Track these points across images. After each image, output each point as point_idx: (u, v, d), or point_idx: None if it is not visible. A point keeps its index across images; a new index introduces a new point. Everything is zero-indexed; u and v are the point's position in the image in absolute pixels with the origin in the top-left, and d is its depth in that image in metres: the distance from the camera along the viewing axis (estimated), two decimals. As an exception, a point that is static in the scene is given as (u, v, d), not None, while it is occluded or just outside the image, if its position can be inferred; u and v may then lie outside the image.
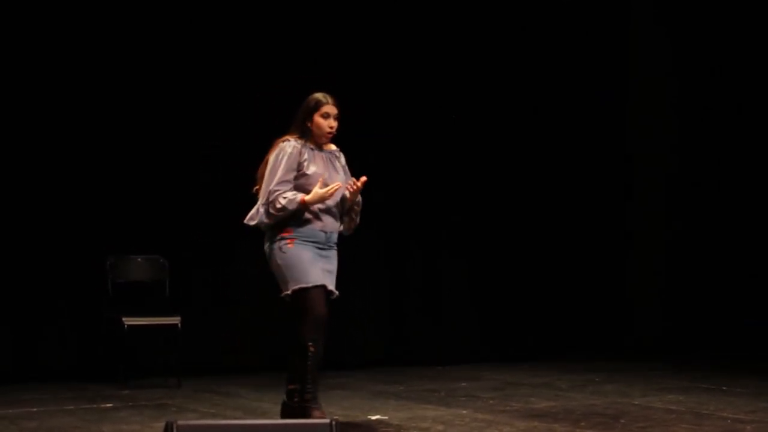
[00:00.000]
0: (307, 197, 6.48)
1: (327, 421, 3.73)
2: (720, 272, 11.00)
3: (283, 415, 6.65)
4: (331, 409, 7.57)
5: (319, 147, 6.66)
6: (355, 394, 8.30)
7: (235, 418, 7.15)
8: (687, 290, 11.08)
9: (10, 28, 8.81)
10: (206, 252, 9.39)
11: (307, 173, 6.54)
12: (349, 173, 6.74)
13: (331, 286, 6.56)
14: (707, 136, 11.07)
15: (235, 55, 9.48)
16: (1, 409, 7.53)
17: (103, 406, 7.76)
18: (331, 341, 9.58)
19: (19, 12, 8.83)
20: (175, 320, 8.58)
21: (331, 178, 6.58)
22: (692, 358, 10.38)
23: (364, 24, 9.97)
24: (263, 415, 7.32)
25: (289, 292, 6.49)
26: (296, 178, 6.54)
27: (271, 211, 6.52)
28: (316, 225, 6.54)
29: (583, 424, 7.07)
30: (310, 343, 6.49)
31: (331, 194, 6.49)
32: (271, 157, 6.60)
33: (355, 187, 6.57)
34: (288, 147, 6.57)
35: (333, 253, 6.65)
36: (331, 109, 6.66)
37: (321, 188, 6.46)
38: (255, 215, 6.63)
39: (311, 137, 6.63)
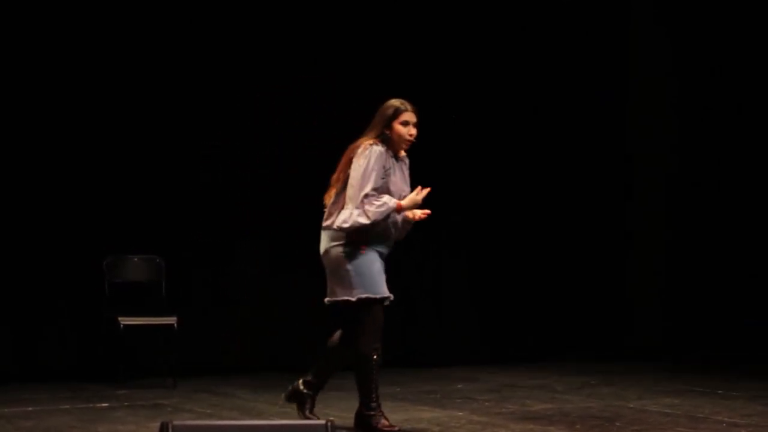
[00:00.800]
0: (403, 202, 6.46)
1: (323, 422, 3.73)
2: (720, 273, 10.98)
3: (292, 399, 6.82)
4: (328, 410, 7.57)
5: (396, 155, 6.59)
6: (352, 396, 8.26)
7: (232, 419, 7.15)
8: (687, 291, 11.06)
9: (8, 28, 8.81)
10: (203, 252, 9.39)
11: (390, 182, 6.50)
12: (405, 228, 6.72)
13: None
14: (707, 136, 11.05)
15: (234, 55, 9.48)
16: (-3, 408, 7.55)
17: (99, 405, 7.76)
18: (323, 341, 9.65)
19: (18, 11, 8.82)
20: (172, 320, 8.59)
21: (404, 190, 6.55)
22: (688, 361, 10.38)
23: (363, 23, 9.96)
24: (259, 416, 7.32)
25: (353, 299, 6.45)
26: (380, 185, 6.48)
27: (369, 215, 6.39)
28: (390, 233, 6.53)
29: (578, 426, 7.07)
30: (374, 355, 6.52)
31: (419, 200, 6.49)
32: (360, 161, 6.45)
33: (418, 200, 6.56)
34: (378, 152, 6.45)
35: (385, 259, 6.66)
36: (410, 116, 6.57)
37: (416, 195, 6.47)
38: (348, 219, 6.43)
39: (390, 145, 6.53)
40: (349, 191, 6.44)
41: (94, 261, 8.86)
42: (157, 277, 9.03)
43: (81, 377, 8.79)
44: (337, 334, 6.75)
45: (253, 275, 9.57)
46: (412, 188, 6.60)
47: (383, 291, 6.45)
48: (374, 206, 6.36)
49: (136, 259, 9.05)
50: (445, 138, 10.27)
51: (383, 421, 6.59)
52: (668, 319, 11.11)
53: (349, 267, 6.44)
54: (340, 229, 6.43)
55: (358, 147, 6.50)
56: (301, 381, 6.82)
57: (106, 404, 7.81)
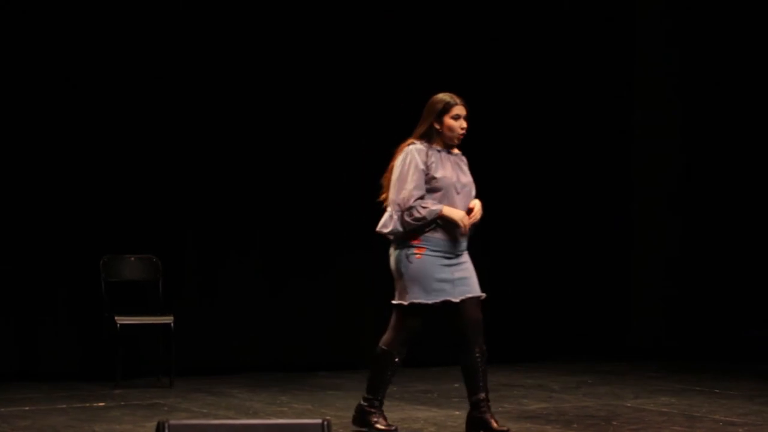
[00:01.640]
0: (446, 211, 6.41)
1: (319, 421, 3.73)
2: (722, 275, 10.93)
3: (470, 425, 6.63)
4: (324, 409, 7.58)
5: (448, 149, 6.54)
6: (349, 395, 8.29)
7: (228, 418, 7.15)
8: (688, 294, 11.03)
9: (3, 27, 8.80)
10: (199, 251, 9.38)
11: (436, 176, 6.42)
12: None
13: (468, 294, 6.49)
14: (712, 139, 11.00)
15: (232, 54, 9.46)
16: (-7, 407, 7.54)
17: (95, 405, 7.76)
18: (325, 343, 9.65)
19: (16, 10, 8.82)
20: (168, 320, 8.58)
21: (460, 182, 6.51)
22: (686, 361, 10.37)
23: (361, 23, 9.94)
24: (255, 415, 7.32)
25: (405, 303, 6.43)
26: (427, 181, 6.42)
27: (408, 219, 6.37)
28: (447, 235, 6.45)
29: (575, 425, 7.07)
30: (396, 358, 6.54)
31: (469, 224, 6.48)
32: (397, 163, 6.45)
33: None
34: (414, 151, 6.43)
35: (464, 258, 6.58)
36: (461, 110, 6.54)
37: (463, 214, 6.45)
38: (389, 223, 6.45)
39: (439, 139, 6.50)
40: (390, 194, 6.48)
41: (91, 260, 8.84)
42: (154, 277, 9.02)
43: (77, 377, 8.78)
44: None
45: (250, 275, 9.56)
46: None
47: (434, 297, 6.40)
48: (416, 212, 6.35)
49: (132, 259, 9.04)
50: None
51: (382, 421, 6.59)
52: (669, 323, 11.09)
53: (403, 271, 6.43)
54: (381, 233, 6.49)
55: (402, 148, 6.51)
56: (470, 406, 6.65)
57: (102, 404, 7.80)
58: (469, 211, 6.56)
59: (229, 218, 9.47)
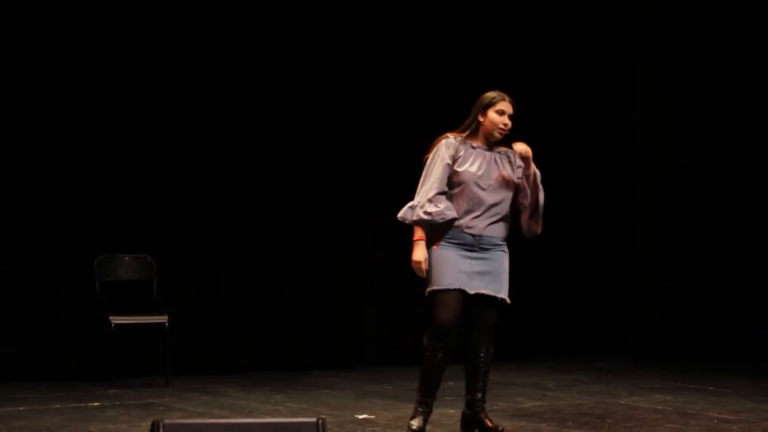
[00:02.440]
0: (417, 243, 6.31)
1: (313, 420, 3.73)
2: (722, 276, 10.92)
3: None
4: (319, 408, 7.58)
5: (489, 145, 6.47)
6: (343, 394, 8.31)
7: (223, 417, 7.15)
8: (688, 294, 11.01)
9: (5, 27, 8.80)
10: (194, 251, 9.38)
11: (458, 170, 6.35)
12: (528, 173, 6.50)
13: (481, 290, 6.38)
14: (712, 138, 10.99)
15: (230, 55, 9.46)
16: (-12, 407, 7.54)
17: (90, 405, 7.75)
18: (325, 343, 9.65)
19: (15, 10, 8.82)
20: (163, 319, 8.58)
21: (490, 178, 6.38)
22: (682, 360, 10.38)
23: (361, 23, 9.94)
24: (250, 415, 7.32)
25: (426, 294, 6.37)
26: (451, 175, 6.36)
27: (420, 214, 6.30)
28: (463, 228, 6.36)
29: (570, 423, 7.09)
30: (427, 352, 6.34)
31: (422, 273, 6.30)
32: (429, 155, 6.42)
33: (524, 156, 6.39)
34: (443, 145, 6.39)
35: (491, 255, 6.47)
36: (507, 107, 6.54)
37: (419, 260, 6.29)
38: (404, 212, 6.40)
39: (480, 133, 6.47)
40: (418, 186, 6.43)
41: (85, 260, 8.85)
42: (148, 276, 9.03)
43: (72, 376, 8.78)
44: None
45: (249, 274, 9.57)
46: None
47: (449, 283, 6.27)
48: (423, 211, 6.29)
49: (126, 258, 9.04)
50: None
51: (415, 422, 6.40)
52: (669, 321, 11.09)
53: (428, 263, 6.36)
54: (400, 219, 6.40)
55: (437, 141, 6.46)
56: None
57: (97, 403, 7.80)
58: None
59: (224, 217, 9.48)
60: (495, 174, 6.42)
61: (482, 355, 6.48)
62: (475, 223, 6.37)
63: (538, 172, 6.56)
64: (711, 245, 10.89)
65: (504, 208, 6.50)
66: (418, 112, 10.08)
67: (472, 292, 6.36)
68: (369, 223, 9.80)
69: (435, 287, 6.33)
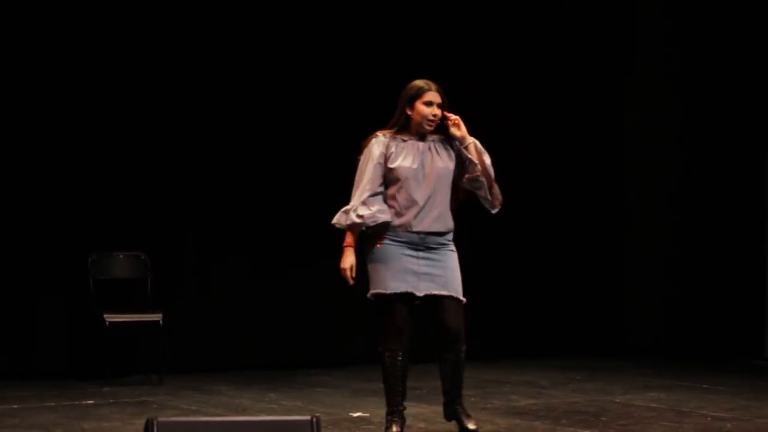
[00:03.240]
0: (346, 249, 6.14)
1: (308, 418, 3.73)
2: (722, 276, 10.90)
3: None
4: (313, 406, 7.58)
5: (421, 137, 6.20)
6: (337, 392, 8.31)
7: (217, 416, 7.15)
8: (688, 294, 10.99)
9: (5, 27, 8.79)
10: (188, 249, 9.38)
11: (392, 167, 6.12)
12: (471, 161, 6.22)
13: (433, 291, 6.13)
14: (709, 137, 10.97)
15: (230, 55, 9.46)
16: (-18, 406, 7.53)
17: (84, 403, 7.75)
18: (315, 339, 9.65)
19: (15, 10, 8.82)
20: (157, 317, 8.58)
21: (425, 170, 6.12)
22: (678, 359, 10.38)
23: (361, 23, 9.94)
24: (244, 412, 7.33)
25: (369, 295, 6.20)
26: (386, 173, 6.14)
27: (352, 218, 6.11)
28: (407, 227, 6.11)
29: (564, 421, 7.09)
30: (385, 359, 6.18)
31: (348, 281, 6.12)
32: (361, 157, 6.22)
33: (452, 126, 6.16)
34: (374, 144, 6.19)
35: (438, 255, 6.18)
36: (434, 96, 6.17)
37: (346, 266, 6.14)
38: (338, 217, 6.21)
39: (411, 127, 6.19)
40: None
41: (79, 258, 8.84)
42: (143, 274, 9.02)
43: (66, 374, 8.77)
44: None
45: (239, 271, 9.57)
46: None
47: (394, 287, 6.09)
48: (354, 215, 6.10)
49: (121, 256, 9.03)
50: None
51: (393, 428, 6.24)
52: (669, 321, 11.08)
53: (368, 262, 6.21)
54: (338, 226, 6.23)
55: (368, 141, 6.29)
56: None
57: (91, 401, 7.80)
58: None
59: (219, 215, 9.47)
60: (430, 165, 6.16)
61: (450, 360, 6.24)
62: (417, 220, 6.11)
63: (476, 141, 6.27)
64: (711, 245, 10.88)
65: (444, 199, 6.20)
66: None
67: (421, 294, 6.13)
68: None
69: (380, 291, 6.14)
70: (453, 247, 6.28)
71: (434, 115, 6.16)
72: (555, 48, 10.83)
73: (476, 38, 10.43)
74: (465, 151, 6.24)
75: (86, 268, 8.84)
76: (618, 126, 11.27)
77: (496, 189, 6.38)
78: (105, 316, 8.49)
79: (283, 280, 9.62)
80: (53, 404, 7.69)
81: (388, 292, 6.12)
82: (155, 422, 3.60)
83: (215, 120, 9.43)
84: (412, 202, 6.13)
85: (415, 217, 6.12)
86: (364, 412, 7.35)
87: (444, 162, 6.21)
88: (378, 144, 6.19)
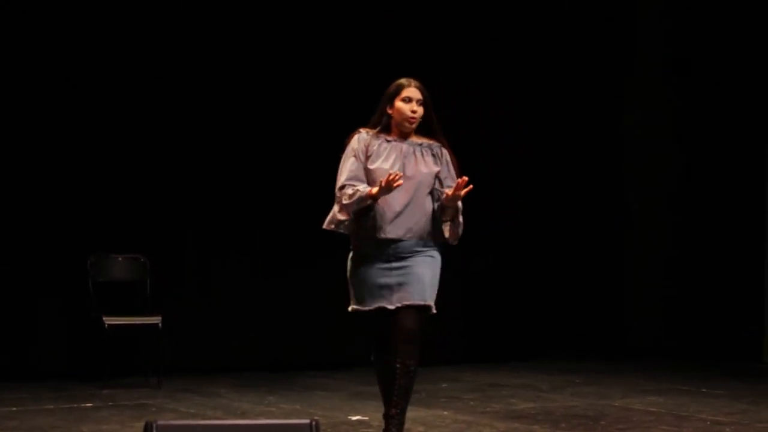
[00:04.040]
0: (374, 189, 5.69)
1: (307, 421, 3.73)
2: (722, 276, 10.90)
3: None
4: (312, 409, 7.58)
5: (403, 137, 5.91)
6: (336, 395, 8.31)
7: (216, 418, 7.15)
8: (688, 294, 10.99)
9: (5, 27, 8.79)
10: (188, 249, 9.37)
11: (370, 168, 5.84)
12: (451, 172, 5.99)
13: (405, 301, 5.79)
14: (708, 137, 10.97)
15: (229, 55, 9.45)
16: (-20, 408, 7.53)
17: (83, 405, 7.74)
18: (315, 340, 9.64)
19: (15, 10, 8.81)
20: (156, 320, 8.57)
21: (405, 173, 5.79)
22: (676, 361, 10.38)
23: (361, 23, 9.93)
24: (243, 415, 7.32)
25: (349, 309, 5.98)
26: (366, 173, 5.85)
27: (345, 209, 5.84)
28: (379, 234, 5.80)
29: (563, 425, 7.08)
30: (377, 367, 6.01)
31: (390, 182, 5.61)
32: (342, 156, 5.97)
33: (456, 191, 5.82)
34: (355, 141, 5.92)
35: (410, 261, 5.84)
36: (413, 92, 5.87)
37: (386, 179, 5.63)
38: (330, 217, 5.94)
39: (393, 126, 5.91)
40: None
41: (78, 260, 8.83)
42: (142, 276, 9.02)
43: (65, 377, 8.76)
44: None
45: (239, 272, 9.56)
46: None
47: (369, 304, 5.84)
48: (346, 196, 5.83)
49: (120, 258, 9.03)
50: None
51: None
52: (669, 321, 11.07)
53: (347, 275, 5.99)
54: (327, 229, 6.04)
55: (350, 138, 6.03)
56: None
57: (90, 404, 7.79)
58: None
59: (218, 218, 9.47)
60: (413, 169, 5.86)
61: (398, 366, 5.82)
62: (392, 225, 5.81)
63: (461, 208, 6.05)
64: (711, 245, 10.89)
65: (423, 206, 5.89)
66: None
67: (393, 307, 5.81)
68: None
69: (357, 307, 5.93)
70: (433, 253, 5.96)
71: (413, 112, 5.87)
72: (555, 48, 10.84)
73: (476, 38, 10.43)
74: (446, 202, 5.92)
75: (86, 270, 8.84)
76: (618, 126, 11.30)
77: (453, 239, 6.09)
78: (104, 318, 8.47)
79: (283, 280, 9.61)
80: (52, 407, 7.68)
81: (364, 308, 5.91)
82: (154, 425, 3.59)
83: (215, 121, 9.42)
84: (387, 208, 5.81)
85: (391, 222, 5.83)
86: (363, 416, 7.34)
87: (428, 167, 5.92)
88: (359, 141, 5.94)
